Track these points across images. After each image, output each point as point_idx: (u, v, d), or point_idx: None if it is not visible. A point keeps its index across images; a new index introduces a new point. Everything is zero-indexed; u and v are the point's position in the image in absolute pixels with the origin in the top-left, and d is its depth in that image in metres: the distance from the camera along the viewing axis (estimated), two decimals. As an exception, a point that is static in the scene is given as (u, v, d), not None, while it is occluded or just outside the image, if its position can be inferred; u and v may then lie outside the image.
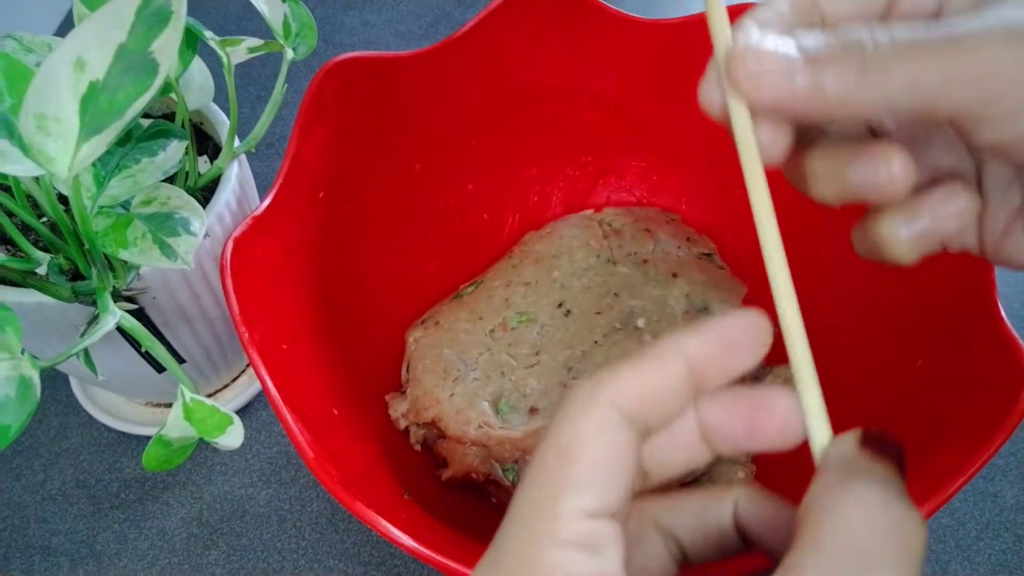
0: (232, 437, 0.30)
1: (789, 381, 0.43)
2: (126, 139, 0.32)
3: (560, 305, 0.41)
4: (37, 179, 0.30)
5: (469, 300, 0.43)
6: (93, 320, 0.33)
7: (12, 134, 0.26)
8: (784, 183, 0.24)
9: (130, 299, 0.35)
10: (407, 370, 0.42)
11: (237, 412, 0.39)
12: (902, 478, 0.19)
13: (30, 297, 0.32)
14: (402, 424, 0.40)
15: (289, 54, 0.38)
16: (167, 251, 0.30)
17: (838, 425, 0.35)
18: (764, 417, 0.20)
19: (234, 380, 0.47)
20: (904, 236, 0.22)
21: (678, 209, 0.49)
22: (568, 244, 0.45)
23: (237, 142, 0.38)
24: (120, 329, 0.31)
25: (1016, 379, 0.29)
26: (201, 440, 0.30)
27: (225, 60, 0.36)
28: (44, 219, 0.36)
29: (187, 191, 0.33)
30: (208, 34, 0.35)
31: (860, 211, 0.25)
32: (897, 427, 0.35)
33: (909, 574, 0.16)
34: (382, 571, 0.41)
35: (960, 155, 0.23)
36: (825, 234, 0.42)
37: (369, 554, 0.42)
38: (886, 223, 0.22)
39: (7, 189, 0.36)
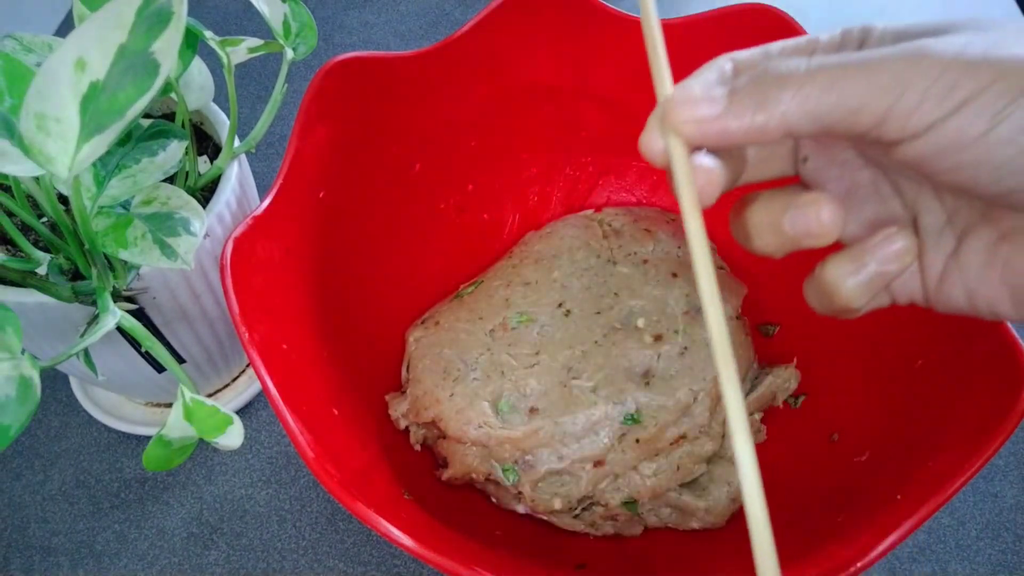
0: (232, 437, 0.30)
1: (789, 381, 0.43)
2: (126, 139, 0.32)
3: (560, 305, 0.41)
4: (37, 179, 0.30)
5: (469, 300, 0.43)
6: (93, 320, 0.33)
7: (12, 134, 0.26)
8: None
9: (130, 299, 0.35)
10: (407, 370, 0.42)
11: (237, 412, 0.39)
12: None
13: (30, 297, 0.32)
14: (402, 424, 0.40)
15: (289, 54, 0.38)
16: (167, 251, 0.30)
17: (838, 425, 0.35)
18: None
19: (234, 380, 0.47)
20: (851, 282, 0.24)
21: (678, 209, 0.49)
22: (568, 244, 0.45)
23: (237, 142, 0.38)
24: (120, 329, 0.31)
25: (1016, 379, 0.29)
26: (201, 440, 0.30)
27: (225, 60, 0.36)
28: (44, 219, 0.36)
29: (187, 191, 0.33)
30: (208, 34, 0.35)
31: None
32: (897, 427, 0.35)
33: None
34: (382, 571, 0.41)
35: (895, 205, 0.25)
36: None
37: (369, 554, 0.42)
38: (832, 270, 0.24)
39: (7, 189, 0.36)
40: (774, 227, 0.24)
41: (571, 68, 0.45)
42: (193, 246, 0.30)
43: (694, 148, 0.22)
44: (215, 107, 0.40)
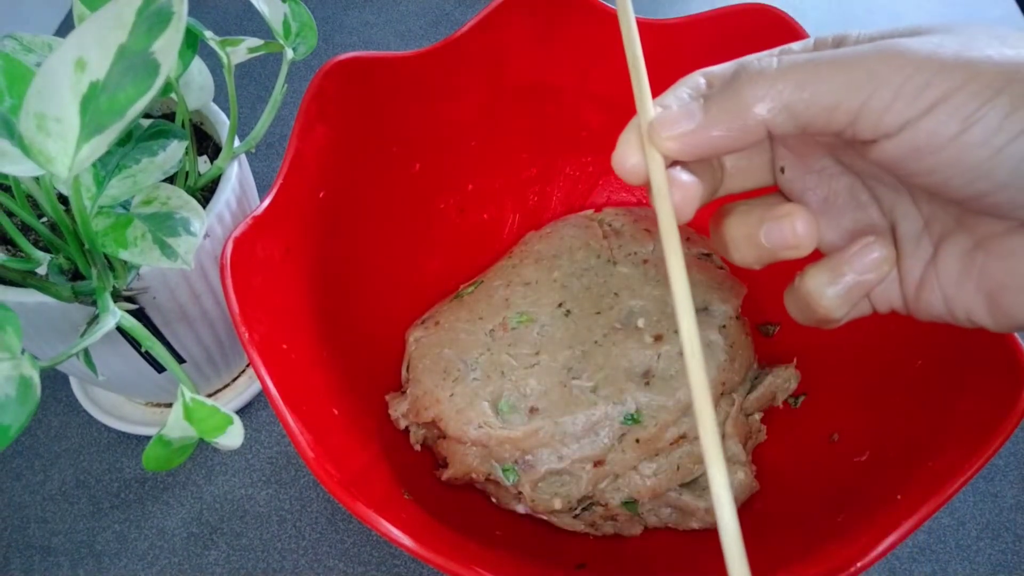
0: (232, 437, 0.30)
1: (789, 381, 0.43)
2: (126, 139, 0.32)
3: (560, 305, 0.41)
4: (37, 179, 0.30)
5: (469, 300, 0.43)
6: (93, 320, 0.33)
7: (12, 134, 0.25)
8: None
9: (130, 299, 0.35)
10: (407, 370, 0.42)
11: (237, 412, 0.39)
12: None
13: (30, 297, 0.32)
14: (402, 424, 0.40)
15: (289, 54, 0.38)
16: (167, 251, 0.30)
17: (838, 425, 0.35)
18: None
19: (234, 380, 0.47)
20: (830, 292, 0.24)
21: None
22: (568, 244, 0.45)
23: (237, 142, 0.38)
24: (120, 329, 0.31)
25: (1016, 379, 0.29)
26: (201, 440, 0.30)
27: (225, 60, 0.36)
28: (44, 219, 0.36)
29: (187, 191, 0.33)
30: (208, 34, 0.35)
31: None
32: (897, 427, 0.35)
33: None
34: (382, 571, 0.41)
35: (873, 213, 0.25)
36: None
37: (369, 554, 0.42)
38: (811, 281, 0.24)
39: (7, 189, 0.36)
40: (751, 240, 0.24)
41: (571, 68, 0.45)
42: (193, 246, 0.30)
43: (670, 163, 0.23)
44: (215, 107, 0.40)
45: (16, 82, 0.27)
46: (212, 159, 0.41)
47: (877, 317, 0.40)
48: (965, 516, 0.42)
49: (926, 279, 0.24)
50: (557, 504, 0.37)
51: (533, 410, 0.37)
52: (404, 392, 0.41)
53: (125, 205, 0.31)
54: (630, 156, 0.23)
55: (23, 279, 0.32)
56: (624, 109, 0.46)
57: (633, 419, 0.37)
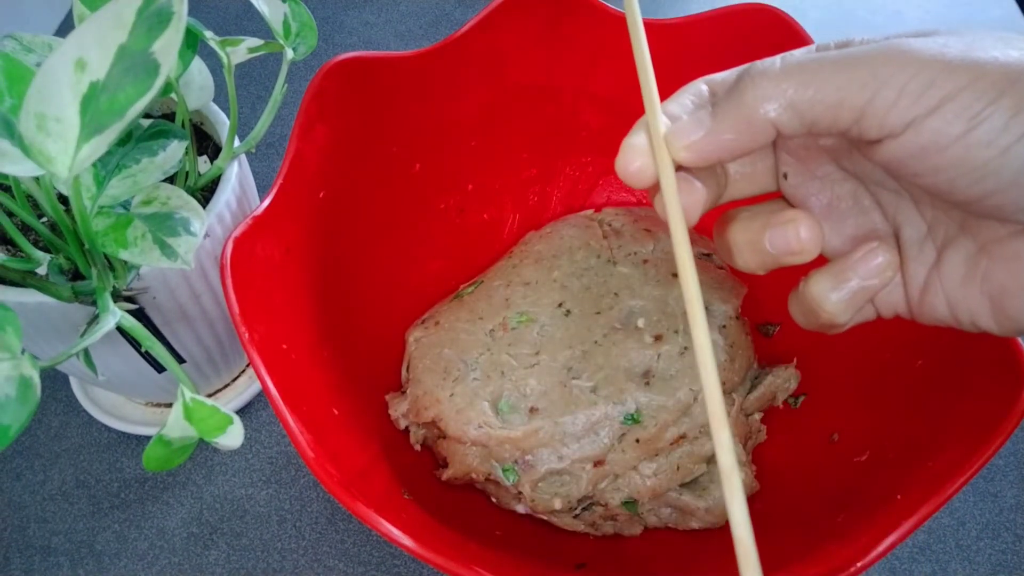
0: (232, 437, 0.30)
1: (789, 381, 0.43)
2: (126, 139, 0.32)
3: (560, 305, 0.41)
4: (37, 179, 0.30)
5: (469, 300, 0.43)
6: (93, 320, 0.33)
7: (12, 134, 0.25)
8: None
9: (130, 299, 0.35)
10: (407, 370, 0.42)
11: (237, 412, 0.39)
12: None
13: (30, 297, 0.32)
14: (402, 424, 0.40)
15: (289, 54, 0.38)
16: (167, 251, 0.30)
17: (838, 425, 0.35)
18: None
19: (234, 380, 0.47)
20: (834, 298, 0.24)
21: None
22: (568, 244, 0.45)
23: (237, 142, 0.38)
24: (120, 329, 0.31)
25: (1016, 379, 0.29)
26: (201, 440, 0.30)
27: (225, 60, 0.36)
28: (44, 219, 0.36)
29: (187, 191, 0.33)
30: (208, 34, 0.35)
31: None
32: (897, 427, 0.35)
33: None
34: (382, 571, 0.41)
35: (876, 218, 0.25)
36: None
37: (369, 554, 0.42)
38: (815, 286, 0.24)
39: (7, 189, 0.36)
40: (755, 245, 0.25)
41: (571, 68, 0.45)
42: (193, 246, 0.30)
43: (676, 168, 0.23)
44: (215, 107, 0.40)
45: (16, 82, 0.27)
46: (212, 159, 0.41)
47: (878, 318, 0.40)
48: (965, 516, 0.42)
49: (930, 284, 0.24)
50: (557, 504, 0.37)
51: (533, 410, 0.37)
52: (404, 392, 0.41)
53: (125, 205, 0.31)
54: (634, 160, 0.23)
55: (23, 279, 0.32)
56: (624, 109, 0.46)
57: (633, 419, 0.37)
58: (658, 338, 0.39)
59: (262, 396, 0.47)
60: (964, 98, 0.19)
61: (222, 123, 0.40)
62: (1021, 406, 0.28)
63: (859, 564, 0.27)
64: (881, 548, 0.27)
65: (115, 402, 0.46)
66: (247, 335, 0.30)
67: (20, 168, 0.25)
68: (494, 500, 0.39)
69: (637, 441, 0.37)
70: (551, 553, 0.37)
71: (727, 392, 0.40)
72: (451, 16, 0.70)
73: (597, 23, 0.43)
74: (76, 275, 0.34)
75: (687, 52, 0.43)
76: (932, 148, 0.20)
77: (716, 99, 0.23)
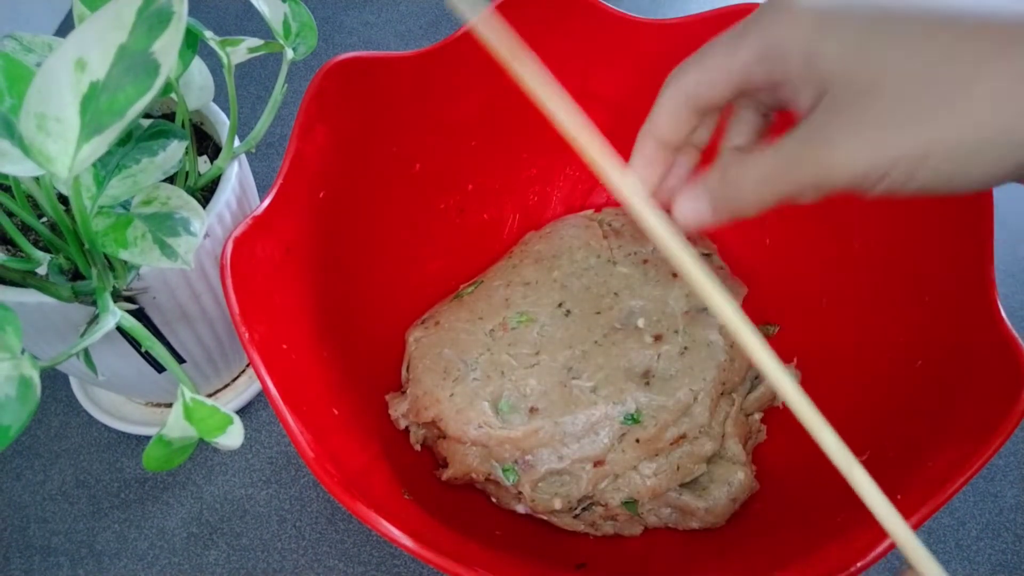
0: (232, 437, 0.30)
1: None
2: (126, 139, 0.32)
3: (560, 305, 0.41)
4: (37, 179, 0.30)
5: (469, 300, 0.43)
6: (93, 320, 0.33)
7: (12, 134, 0.25)
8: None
9: (130, 299, 0.35)
10: (407, 370, 0.42)
11: (237, 412, 0.39)
12: None
13: (30, 297, 0.32)
14: (402, 424, 0.40)
15: (289, 54, 0.38)
16: (167, 251, 0.29)
17: (838, 425, 0.35)
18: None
19: (234, 380, 0.47)
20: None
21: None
22: (568, 244, 0.45)
23: (237, 142, 0.38)
24: (120, 329, 0.31)
25: (1016, 379, 0.29)
26: (201, 440, 0.30)
27: (225, 60, 0.36)
28: (44, 219, 0.36)
29: (187, 191, 0.33)
30: (208, 34, 0.35)
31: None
32: (897, 427, 0.35)
33: None
34: (382, 571, 0.41)
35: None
36: (828, 236, 0.42)
37: (369, 554, 0.42)
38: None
39: (7, 189, 0.36)
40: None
41: (571, 68, 0.45)
42: (193, 246, 0.30)
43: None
44: (215, 107, 0.40)
45: (16, 82, 0.27)
46: (212, 159, 0.41)
47: (877, 317, 0.40)
48: (965, 516, 0.42)
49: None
50: (557, 504, 0.37)
51: (533, 410, 0.37)
52: (404, 392, 0.41)
53: (125, 205, 0.31)
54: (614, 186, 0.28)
55: (23, 279, 0.32)
56: (624, 109, 0.46)
57: (633, 419, 0.37)
58: (658, 338, 0.39)
59: (262, 396, 0.47)
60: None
61: (222, 123, 0.40)
62: (1021, 406, 0.28)
63: (859, 564, 0.27)
64: (881, 548, 0.27)
65: (115, 402, 0.46)
66: (247, 335, 0.30)
67: (20, 168, 0.25)
68: (494, 500, 0.39)
69: (637, 441, 0.37)
70: (551, 553, 0.37)
71: (727, 392, 0.40)
72: (451, 16, 0.70)
73: (597, 23, 0.43)
74: (76, 275, 0.34)
75: (687, 52, 0.43)
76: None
77: (710, 181, 0.27)
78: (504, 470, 0.37)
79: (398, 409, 0.40)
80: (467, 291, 0.44)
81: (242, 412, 0.47)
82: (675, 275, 0.43)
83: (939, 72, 0.21)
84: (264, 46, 0.38)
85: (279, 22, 0.37)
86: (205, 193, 0.38)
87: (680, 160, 0.30)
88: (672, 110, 0.28)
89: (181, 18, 0.24)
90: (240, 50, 0.38)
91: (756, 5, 0.41)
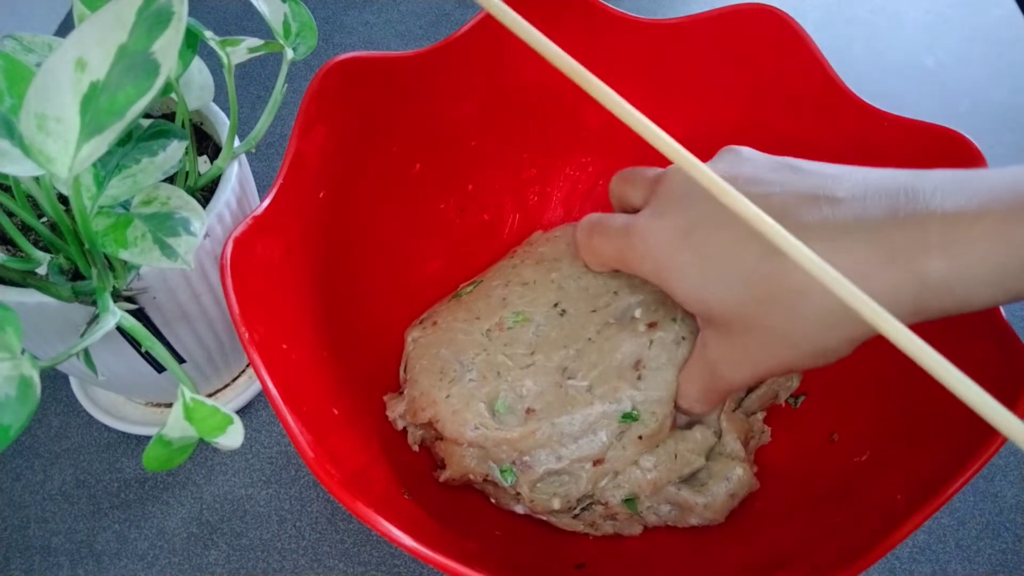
0: (232, 437, 0.30)
1: (791, 379, 0.43)
2: (126, 139, 0.32)
3: (556, 305, 0.41)
4: (37, 179, 0.30)
5: (467, 300, 0.43)
6: (93, 320, 0.33)
7: (12, 134, 0.25)
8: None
9: (130, 299, 0.35)
10: (405, 370, 0.42)
11: (237, 412, 0.39)
12: None
13: (30, 297, 0.32)
14: (400, 425, 0.40)
15: (289, 54, 0.38)
16: (167, 251, 0.29)
17: (838, 425, 0.35)
18: None
19: (234, 380, 0.47)
20: None
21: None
22: (572, 250, 0.44)
23: (237, 142, 0.38)
24: (120, 329, 0.31)
25: (1016, 379, 0.29)
26: (201, 440, 0.30)
27: (225, 60, 0.36)
28: (44, 219, 0.36)
29: (187, 191, 0.33)
30: (208, 34, 0.35)
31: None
32: (897, 427, 0.35)
33: None
34: (382, 571, 0.41)
35: None
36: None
37: (369, 554, 0.42)
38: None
39: (7, 189, 0.36)
40: None
41: (571, 68, 0.45)
42: (193, 246, 0.30)
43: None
44: (215, 107, 0.40)
45: (16, 82, 0.27)
46: (212, 159, 0.41)
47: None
48: (965, 516, 0.42)
49: None
50: (556, 504, 0.37)
51: (529, 411, 0.37)
52: (402, 393, 0.41)
53: (125, 205, 0.31)
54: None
55: (23, 279, 0.32)
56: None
57: (631, 417, 0.37)
58: (652, 325, 0.38)
59: (262, 396, 0.47)
60: None
61: (222, 123, 0.40)
62: (1021, 406, 0.28)
63: (859, 564, 0.27)
64: (881, 548, 0.27)
65: (115, 402, 0.46)
66: (247, 335, 0.30)
67: (20, 168, 0.25)
68: (493, 501, 0.39)
69: (640, 438, 0.37)
70: (551, 553, 0.37)
71: None
72: (451, 16, 0.70)
73: (597, 23, 0.43)
74: (76, 275, 0.34)
75: (687, 52, 0.43)
76: None
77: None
78: (502, 471, 0.37)
79: (395, 410, 0.40)
80: (466, 291, 0.44)
81: (242, 412, 0.47)
82: None
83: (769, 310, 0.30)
84: (264, 46, 0.38)
85: (279, 22, 0.37)
86: (205, 193, 0.38)
87: None
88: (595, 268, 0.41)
89: (181, 18, 0.24)
90: (240, 50, 0.38)
91: (756, 5, 0.41)
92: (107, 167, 0.31)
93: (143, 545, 0.42)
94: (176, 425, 0.29)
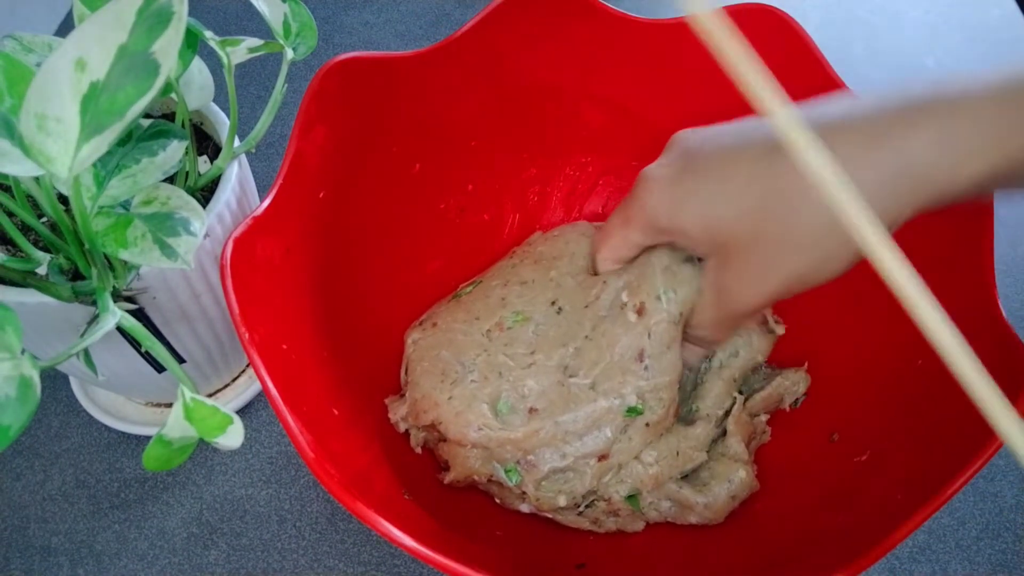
0: (232, 437, 0.30)
1: (798, 384, 0.43)
2: (126, 139, 0.32)
3: (553, 303, 0.41)
4: (37, 179, 0.30)
5: (467, 300, 0.43)
6: (93, 320, 0.33)
7: (12, 134, 0.25)
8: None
9: (130, 299, 0.35)
10: (406, 373, 0.42)
11: (237, 412, 0.39)
12: None
13: (30, 297, 0.32)
14: (402, 427, 0.40)
15: (289, 54, 0.38)
16: (167, 251, 0.29)
17: (838, 425, 0.35)
18: None
19: (234, 380, 0.47)
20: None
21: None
22: (572, 248, 0.44)
23: (237, 142, 0.38)
24: (120, 329, 0.31)
25: (1016, 379, 0.29)
26: (201, 440, 0.30)
27: (225, 60, 0.36)
28: (44, 219, 0.36)
29: (187, 191, 0.33)
30: (208, 34, 0.35)
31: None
32: (898, 427, 0.35)
33: None
34: (382, 571, 0.41)
35: None
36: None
37: (369, 554, 0.42)
38: None
39: (7, 189, 0.36)
40: None
41: (571, 68, 0.45)
42: (193, 246, 0.30)
43: None
44: (215, 107, 0.40)
45: (16, 82, 0.27)
46: (212, 159, 0.41)
47: (877, 316, 0.40)
48: (965, 516, 0.42)
49: None
50: (562, 501, 0.37)
51: (532, 410, 0.37)
52: (403, 395, 0.41)
53: (125, 205, 0.31)
54: None
55: (23, 279, 0.32)
56: (624, 109, 0.46)
57: (636, 411, 0.37)
58: (640, 311, 0.38)
59: (262, 396, 0.47)
60: None
61: (222, 123, 0.40)
62: (1021, 406, 0.28)
63: (859, 564, 0.27)
64: (881, 548, 0.27)
65: (115, 402, 0.46)
66: (247, 335, 0.30)
67: (20, 168, 0.25)
68: (498, 500, 0.39)
69: (647, 425, 0.37)
70: (552, 552, 0.37)
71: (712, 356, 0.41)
72: (451, 16, 0.70)
73: (597, 23, 0.43)
74: (76, 275, 0.34)
75: (687, 52, 0.43)
76: None
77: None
78: (507, 471, 0.37)
79: (397, 412, 0.40)
80: (465, 291, 0.44)
81: (242, 412, 0.47)
82: None
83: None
84: (264, 46, 0.38)
85: (279, 22, 0.37)
86: (205, 193, 0.38)
87: None
88: (609, 264, 0.39)
89: (181, 18, 0.24)
90: (240, 50, 0.38)
91: (756, 5, 0.41)
92: (107, 167, 0.31)
93: (143, 545, 0.42)
94: (176, 425, 0.29)
